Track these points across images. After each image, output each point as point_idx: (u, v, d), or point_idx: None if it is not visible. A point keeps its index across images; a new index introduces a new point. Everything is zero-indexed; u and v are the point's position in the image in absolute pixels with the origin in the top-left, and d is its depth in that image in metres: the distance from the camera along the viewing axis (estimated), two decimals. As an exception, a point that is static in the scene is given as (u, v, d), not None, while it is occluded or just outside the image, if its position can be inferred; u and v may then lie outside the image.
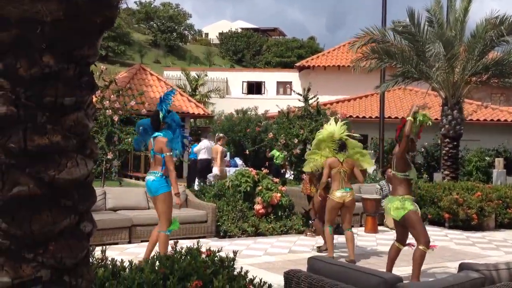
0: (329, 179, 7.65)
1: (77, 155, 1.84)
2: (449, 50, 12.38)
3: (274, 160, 14.93)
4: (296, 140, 13.16)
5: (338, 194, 7.36)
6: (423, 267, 7.01)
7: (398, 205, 6.09)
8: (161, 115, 6.30)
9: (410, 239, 6.43)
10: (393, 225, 10.64)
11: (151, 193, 6.34)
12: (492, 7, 33.79)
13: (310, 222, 8.86)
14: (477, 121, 19.95)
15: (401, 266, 6.83)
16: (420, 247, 6.09)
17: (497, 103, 24.81)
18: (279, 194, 9.91)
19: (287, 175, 15.39)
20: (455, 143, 13.63)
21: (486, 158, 16.98)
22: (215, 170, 13.08)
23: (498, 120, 20.25)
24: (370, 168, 9.28)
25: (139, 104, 11.71)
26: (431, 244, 6.23)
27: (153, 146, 6.30)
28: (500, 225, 11.01)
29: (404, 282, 3.41)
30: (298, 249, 8.39)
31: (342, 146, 7.60)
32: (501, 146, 18.10)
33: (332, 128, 7.72)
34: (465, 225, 10.54)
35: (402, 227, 6.35)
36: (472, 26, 13.34)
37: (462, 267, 3.85)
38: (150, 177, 6.29)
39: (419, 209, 6.31)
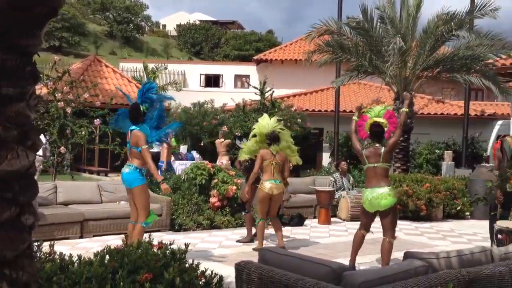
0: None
1: (18, 146, 1.82)
2: (401, 46, 12.69)
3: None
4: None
5: (267, 185, 7.43)
6: (374, 256, 7.25)
7: (391, 193, 6.27)
8: (143, 107, 6.37)
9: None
10: (346, 216, 10.93)
11: (126, 185, 6.42)
12: (444, 4, 34.74)
13: (243, 213, 8.78)
14: (428, 115, 20.51)
15: (365, 254, 7.00)
16: (389, 239, 6.40)
17: (447, 97, 25.58)
18: (234, 187, 9.95)
19: None
20: (406, 136, 13.99)
21: (436, 151, 17.51)
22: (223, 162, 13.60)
23: (448, 114, 20.89)
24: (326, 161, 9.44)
25: (93, 96, 11.51)
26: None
27: (129, 139, 6.36)
28: (447, 216, 11.41)
29: (351, 270, 3.51)
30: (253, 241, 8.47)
31: (275, 138, 7.59)
32: (451, 139, 18.69)
33: (266, 122, 7.79)
34: (415, 216, 10.87)
35: (370, 218, 6.54)
36: (424, 22, 13.72)
37: (407, 255, 3.99)
38: (125, 170, 6.38)
39: None
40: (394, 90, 14.13)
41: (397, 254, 7.44)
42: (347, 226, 10.32)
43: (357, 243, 6.71)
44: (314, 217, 11.06)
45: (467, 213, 11.67)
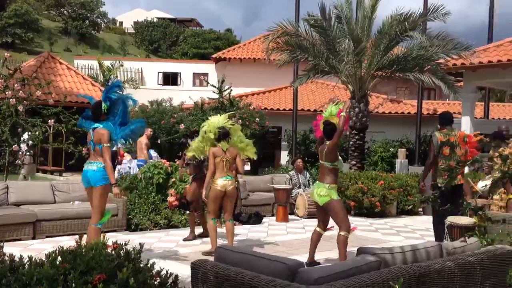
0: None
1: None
2: (357, 45, 12.90)
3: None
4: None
5: (220, 183, 7.28)
6: (329, 253, 7.37)
7: (324, 192, 6.48)
8: (104, 106, 6.21)
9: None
10: (303, 213, 11.05)
11: (89, 184, 6.15)
12: (398, 4, 35.57)
13: (187, 212, 8.55)
14: (382, 114, 20.95)
15: (322, 251, 7.08)
16: (342, 233, 6.52)
17: (402, 96, 26.18)
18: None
19: None
20: (362, 134, 14.26)
21: (390, 149, 17.88)
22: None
23: (402, 112, 21.40)
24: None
25: (46, 94, 11.23)
26: (351, 227, 6.76)
27: (92, 137, 6.16)
28: (401, 212, 11.69)
29: (305, 267, 3.55)
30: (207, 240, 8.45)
31: (225, 134, 7.47)
32: (405, 138, 19.14)
33: (216, 119, 7.67)
34: (369, 212, 11.10)
35: (324, 213, 6.73)
36: (379, 23, 13.98)
37: (360, 251, 4.07)
38: (91, 167, 6.12)
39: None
40: (350, 89, 14.36)
41: (353, 250, 7.58)
42: (304, 223, 10.43)
43: (314, 241, 6.86)
44: (272, 215, 11.14)
45: (420, 209, 11.99)
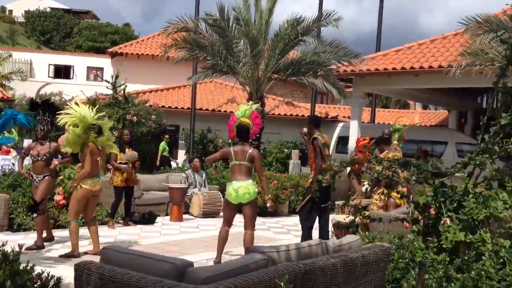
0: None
1: None
2: (254, 48, 13.11)
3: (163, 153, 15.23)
4: None
5: (91, 182, 6.97)
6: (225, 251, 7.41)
7: (252, 190, 6.69)
8: None
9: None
10: (198, 213, 11.03)
11: None
12: (294, 10, 36.65)
13: (34, 215, 7.62)
14: (278, 116, 21.50)
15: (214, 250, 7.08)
16: (250, 231, 6.80)
17: (297, 99, 27.03)
18: (82, 184, 9.52)
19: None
20: (258, 135, 14.51)
21: (285, 150, 18.37)
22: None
23: (297, 115, 22.10)
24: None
25: None
26: None
27: None
28: (292, 211, 12.04)
29: (195, 267, 3.54)
30: (101, 240, 8.14)
31: (100, 130, 7.07)
32: (298, 139, 19.75)
33: (84, 111, 6.99)
34: (262, 212, 11.29)
35: (234, 212, 6.87)
36: (276, 27, 14.32)
37: (249, 250, 4.13)
38: None
39: None
40: (247, 91, 14.56)
41: (242, 249, 7.70)
42: (198, 223, 10.42)
43: (223, 239, 6.90)
44: (167, 214, 11.00)
45: (311, 209, 12.42)
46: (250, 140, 7.18)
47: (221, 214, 11.13)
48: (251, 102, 7.98)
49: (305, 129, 7.88)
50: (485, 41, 9.54)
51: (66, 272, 5.05)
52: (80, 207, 7.08)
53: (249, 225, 6.81)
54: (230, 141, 19.68)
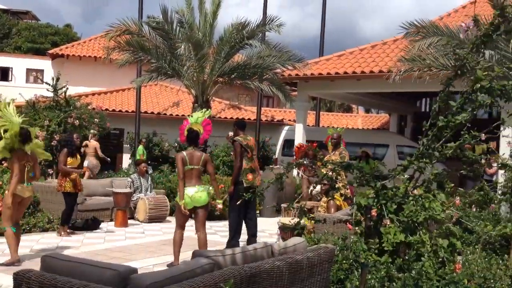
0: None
1: None
2: (199, 51, 13.07)
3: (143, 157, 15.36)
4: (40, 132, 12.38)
5: (20, 187, 6.82)
6: (167, 257, 7.36)
7: (206, 193, 6.89)
8: None
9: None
10: (143, 218, 10.87)
11: None
12: (238, 14, 36.83)
13: None
14: (224, 119, 21.50)
15: (160, 255, 6.99)
16: (203, 233, 7.05)
17: (243, 103, 27.13)
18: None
19: None
20: (205, 139, 14.46)
21: (231, 153, 18.38)
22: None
23: (243, 118, 22.16)
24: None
25: None
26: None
27: None
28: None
29: (138, 273, 3.49)
30: (41, 247, 7.93)
31: (27, 136, 6.92)
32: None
33: (12, 116, 6.94)
34: (210, 216, 11.23)
35: (187, 216, 6.96)
36: (222, 30, 14.34)
37: (195, 254, 4.12)
38: None
39: None
40: (193, 94, 14.48)
41: (189, 253, 7.66)
42: (144, 228, 10.27)
43: (178, 242, 7.00)
44: (111, 220, 10.77)
45: (257, 212, 12.48)
46: (199, 145, 7.40)
47: (168, 219, 11.09)
48: (204, 110, 8.26)
49: (231, 133, 8.18)
50: (423, 46, 9.90)
51: (5, 281, 4.87)
52: (12, 212, 6.85)
53: (202, 227, 7.03)
54: (175, 144, 19.53)
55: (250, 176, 7.88)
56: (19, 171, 6.75)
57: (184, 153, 6.96)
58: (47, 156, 7.52)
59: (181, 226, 7.04)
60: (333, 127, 10.95)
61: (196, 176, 6.91)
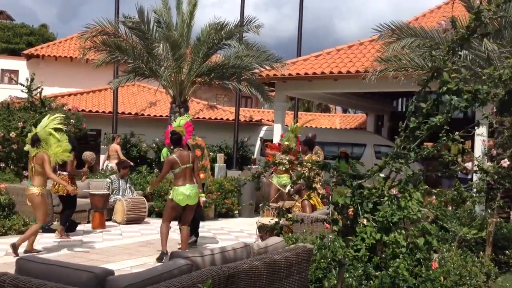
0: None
1: None
2: (176, 51, 13.00)
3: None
4: (14, 134, 12.20)
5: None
6: (147, 258, 7.31)
7: (197, 191, 7.47)
8: None
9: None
10: (121, 219, 10.78)
11: None
12: (216, 14, 36.76)
13: None
14: (203, 119, 21.41)
15: (138, 257, 6.92)
16: (186, 227, 7.61)
17: (221, 103, 27.09)
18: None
19: None
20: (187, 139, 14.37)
21: (210, 153, 18.35)
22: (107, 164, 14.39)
23: (221, 119, 22.15)
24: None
25: None
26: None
27: None
28: (219, 215, 12.06)
29: (115, 275, 3.46)
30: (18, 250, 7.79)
31: (35, 140, 7.67)
32: (223, 143, 19.81)
33: (44, 122, 7.88)
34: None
35: (179, 211, 7.61)
36: (199, 30, 14.26)
37: (173, 255, 4.10)
38: None
39: None
40: (170, 94, 14.41)
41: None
42: (122, 230, 10.18)
43: (166, 233, 7.50)
44: (88, 222, 10.65)
45: (236, 212, 12.51)
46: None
47: (146, 220, 11.02)
48: (186, 114, 8.93)
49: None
50: (398, 47, 10.00)
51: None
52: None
53: (187, 222, 7.59)
54: (154, 145, 19.39)
55: (201, 175, 8.29)
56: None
57: (174, 155, 7.40)
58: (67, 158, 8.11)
59: (168, 221, 7.54)
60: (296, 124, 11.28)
61: (189, 174, 7.39)
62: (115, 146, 15.31)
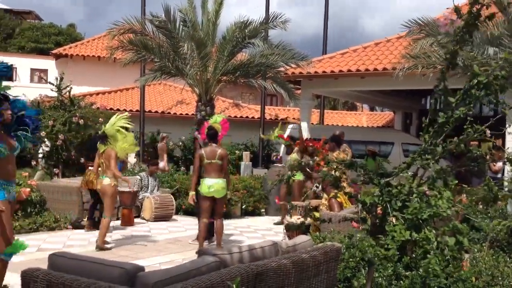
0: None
1: None
2: (202, 50, 13.04)
3: None
4: (44, 133, 12.42)
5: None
6: (176, 255, 7.37)
7: (224, 185, 7.72)
8: None
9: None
10: (149, 217, 10.88)
11: None
12: (240, 13, 36.75)
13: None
14: (228, 118, 21.42)
15: (166, 254, 6.98)
16: (220, 220, 7.92)
17: (246, 101, 27.11)
18: (28, 189, 9.29)
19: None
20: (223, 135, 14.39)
21: (236, 152, 18.39)
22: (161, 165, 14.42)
23: (247, 117, 22.16)
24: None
25: None
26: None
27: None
28: (245, 213, 12.08)
29: (145, 271, 3.50)
30: (49, 246, 7.95)
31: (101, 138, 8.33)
32: (249, 141, 19.82)
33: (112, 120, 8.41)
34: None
35: (210, 201, 7.75)
36: (224, 29, 14.28)
37: (201, 252, 4.12)
38: None
39: None
40: (196, 93, 14.47)
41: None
42: (150, 227, 10.29)
43: (204, 231, 7.77)
44: (117, 219, 10.78)
45: (262, 210, 12.51)
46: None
47: (174, 217, 11.14)
48: (222, 113, 9.45)
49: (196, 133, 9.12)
50: (426, 44, 9.86)
51: (13, 280, 4.88)
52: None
53: (219, 215, 7.90)
54: (180, 143, 19.56)
55: None
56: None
57: (202, 150, 7.81)
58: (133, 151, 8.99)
59: (206, 213, 7.77)
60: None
61: (214, 169, 7.68)
62: (164, 145, 15.97)
